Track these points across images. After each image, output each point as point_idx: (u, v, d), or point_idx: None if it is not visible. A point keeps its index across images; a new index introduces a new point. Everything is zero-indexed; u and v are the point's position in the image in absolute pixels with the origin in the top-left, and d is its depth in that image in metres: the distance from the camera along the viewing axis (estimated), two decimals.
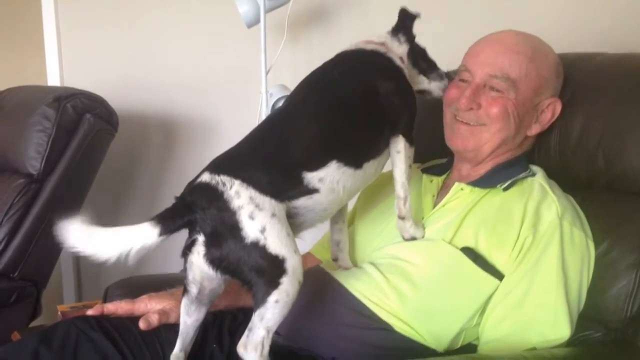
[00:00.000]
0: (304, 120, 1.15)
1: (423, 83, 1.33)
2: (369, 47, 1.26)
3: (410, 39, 1.30)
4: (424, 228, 1.26)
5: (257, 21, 2.01)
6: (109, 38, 2.72)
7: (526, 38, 1.32)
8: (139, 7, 2.65)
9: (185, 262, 1.07)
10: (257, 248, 1.00)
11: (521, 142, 1.34)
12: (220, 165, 1.07)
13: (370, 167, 1.17)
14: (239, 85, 2.44)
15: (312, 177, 1.08)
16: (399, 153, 1.20)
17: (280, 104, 1.99)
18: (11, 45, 2.93)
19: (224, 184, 1.02)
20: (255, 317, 1.01)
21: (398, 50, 1.28)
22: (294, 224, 1.09)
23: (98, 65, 2.74)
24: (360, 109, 1.17)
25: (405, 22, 1.30)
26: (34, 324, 2.15)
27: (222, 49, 2.47)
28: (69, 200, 2.15)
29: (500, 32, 1.34)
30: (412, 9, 1.31)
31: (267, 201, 1.03)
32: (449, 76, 1.35)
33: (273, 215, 1.02)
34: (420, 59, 1.32)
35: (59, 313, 1.85)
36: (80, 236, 0.96)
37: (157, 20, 2.61)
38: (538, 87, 1.30)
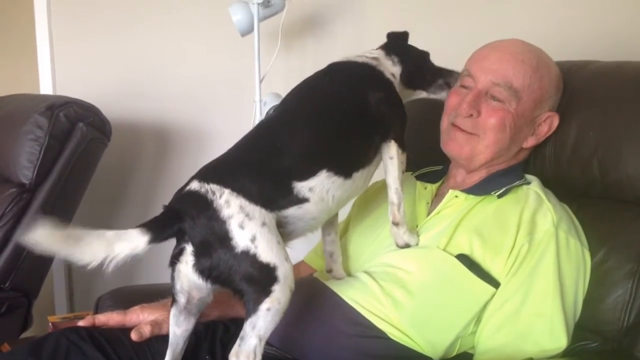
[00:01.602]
0: (294, 128, 1.15)
1: (422, 94, 1.34)
2: (360, 59, 1.27)
3: (405, 60, 1.29)
4: (418, 235, 1.26)
5: (250, 30, 2.01)
6: (102, 47, 2.71)
7: (531, 48, 1.32)
8: (133, 16, 2.65)
9: (173, 271, 1.06)
10: (248, 257, 0.99)
11: (516, 153, 1.34)
12: (210, 173, 1.07)
13: (360, 176, 1.17)
14: (232, 94, 2.43)
15: (302, 187, 1.08)
16: (392, 159, 1.20)
17: None
18: (4, 53, 2.92)
19: (213, 193, 1.01)
20: (247, 326, 1.00)
21: (391, 69, 1.28)
22: (284, 233, 1.08)
23: (91, 74, 2.73)
24: (349, 117, 1.17)
25: (396, 43, 1.31)
26: (24, 335, 2.12)
27: (216, 58, 2.47)
28: (61, 210, 2.13)
29: (506, 40, 1.34)
30: (399, 29, 1.33)
31: (257, 210, 1.02)
32: (450, 85, 1.34)
33: (263, 224, 1.01)
34: (416, 78, 1.32)
35: (50, 324, 1.84)
36: (56, 238, 0.93)
37: (151, 29, 2.61)
38: (539, 99, 1.29)
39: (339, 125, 1.15)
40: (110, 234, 0.96)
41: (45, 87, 2.80)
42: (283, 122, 1.18)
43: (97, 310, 1.51)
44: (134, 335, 1.21)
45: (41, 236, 0.92)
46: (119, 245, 0.95)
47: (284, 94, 2.01)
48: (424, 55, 1.34)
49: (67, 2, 2.78)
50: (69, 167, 2.09)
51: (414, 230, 1.27)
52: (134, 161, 2.73)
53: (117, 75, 2.68)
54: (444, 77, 1.34)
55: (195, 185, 1.04)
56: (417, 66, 1.32)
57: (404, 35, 1.32)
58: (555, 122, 1.33)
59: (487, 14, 1.94)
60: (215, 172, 1.07)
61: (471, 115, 1.29)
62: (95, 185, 2.30)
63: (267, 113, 2.02)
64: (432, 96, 1.35)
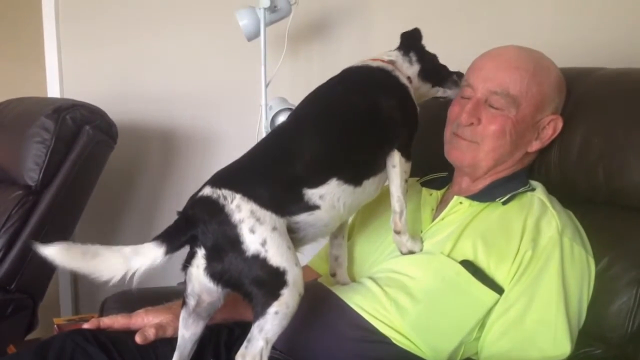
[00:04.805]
0: (306, 136, 1.15)
1: (438, 92, 1.35)
2: (375, 64, 1.27)
3: (422, 57, 1.30)
4: (422, 242, 1.26)
5: (257, 34, 2.01)
6: (109, 51, 2.72)
7: (529, 53, 1.32)
8: (140, 20, 2.66)
9: (185, 274, 1.07)
10: (258, 261, 1.00)
11: (521, 158, 1.34)
12: (222, 179, 1.08)
13: (370, 184, 1.18)
14: (238, 98, 2.44)
15: (312, 194, 1.09)
16: (395, 167, 1.21)
17: (279, 116, 2.00)
18: (12, 57, 2.94)
19: (225, 198, 1.03)
20: (255, 328, 1.01)
21: (407, 71, 1.28)
22: (295, 238, 1.09)
23: (98, 77, 2.75)
24: (361, 126, 1.18)
25: (411, 40, 1.31)
26: (30, 336, 2.13)
27: (222, 62, 2.48)
28: (67, 213, 2.14)
29: (503, 47, 1.34)
30: (409, 28, 1.33)
31: (267, 215, 1.03)
32: (461, 76, 1.35)
33: (274, 229, 1.03)
34: (433, 74, 1.32)
35: (55, 326, 1.84)
36: (73, 255, 0.96)
37: (157, 33, 2.62)
38: (539, 104, 1.29)
39: (350, 134, 1.16)
40: (127, 249, 0.98)
41: (53, 90, 2.82)
42: (296, 129, 1.19)
43: (102, 313, 1.51)
44: (138, 338, 1.22)
45: (57, 253, 0.95)
46: (138, 261, 0.98)
47: (289, 99, 2.05)
48: (434, 56, 1.34)
49: (75, 7, 2.80)
50: (75, 169, 2.10)
51: (417, 236, 1.27)
52: (140, 164, 2.74)
53: (123, 79, 2.70)
54: (456, 74, 1.35)
55: (207, 191, 1.05)
56: (433, 63, 1.33)
57: (417, 32, 1.32)
58: (560, 124, 1.33)
59: (492, 20, 1.94)
60: (228, 177, 1.08)
61: (472, 123, 1.29)
62: (101, 187, 2.31)
63: (272, 118, 2.03)
64: (446, 94, 1.35)
